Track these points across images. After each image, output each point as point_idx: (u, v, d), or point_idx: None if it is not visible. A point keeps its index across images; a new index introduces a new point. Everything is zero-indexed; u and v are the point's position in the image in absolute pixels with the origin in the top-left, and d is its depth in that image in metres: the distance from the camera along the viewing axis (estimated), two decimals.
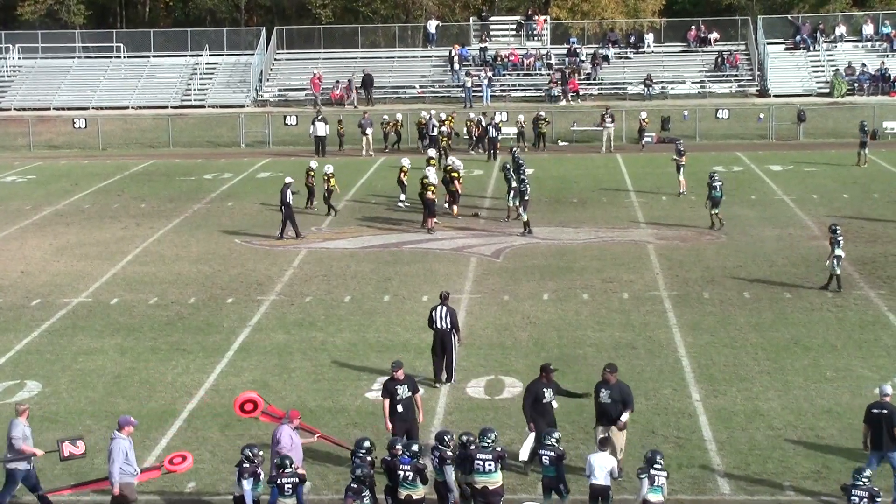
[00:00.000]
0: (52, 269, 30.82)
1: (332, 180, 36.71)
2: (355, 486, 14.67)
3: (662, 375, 21.55)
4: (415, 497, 15.21)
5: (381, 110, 58.50)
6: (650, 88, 61.75)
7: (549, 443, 15.74)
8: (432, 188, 34.21)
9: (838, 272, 26.89)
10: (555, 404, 17.54)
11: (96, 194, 42.26)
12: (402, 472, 15.14)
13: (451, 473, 15.41)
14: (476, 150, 49.75)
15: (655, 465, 15.00)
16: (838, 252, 26.72)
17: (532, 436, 17.10)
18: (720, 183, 33.72)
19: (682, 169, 39.21)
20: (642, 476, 14.97)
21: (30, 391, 21.48)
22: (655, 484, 14.93)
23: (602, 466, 15.38)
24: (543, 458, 15.77)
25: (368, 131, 50.18)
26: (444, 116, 50.02)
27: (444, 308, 21.39)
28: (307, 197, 37.56)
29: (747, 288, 27.55)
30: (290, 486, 15.04)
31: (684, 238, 33.02)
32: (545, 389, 17.45)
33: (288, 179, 34.15)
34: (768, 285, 27.77)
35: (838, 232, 26.92)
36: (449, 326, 21.26)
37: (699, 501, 16.35)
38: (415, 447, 15.39)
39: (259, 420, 17.58)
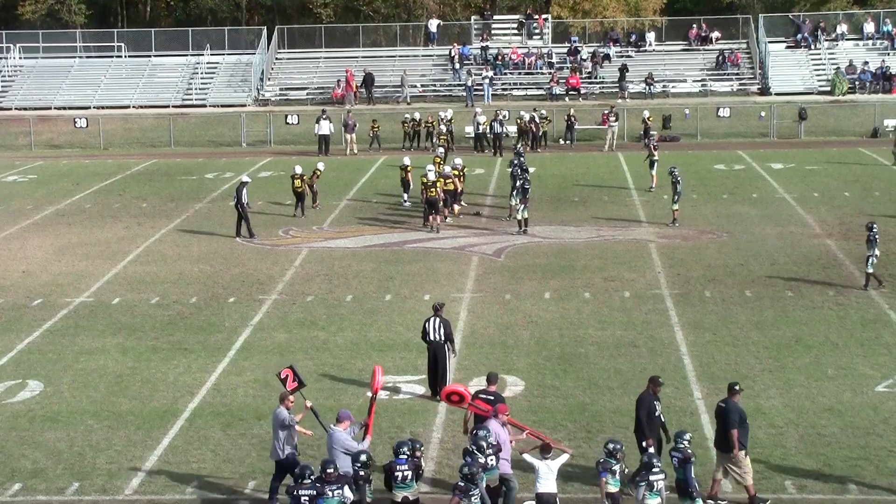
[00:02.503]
0: (54, 268, 30.83)
1: (298, 181, 36.83)
2: (463, 484, 14.31)
3: (664, 374, 21.38)
4: (411, 498, 15.05)
5: (383, 110, 58.51)
6: (651, 87, 61.72)
7: (681, 445, 15.43)
8: (450, 182, 34.16)
9: (870, 270, 26.80)
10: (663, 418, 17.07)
11: (97, 194, 42.26)
12: (399, 473, 14.94)
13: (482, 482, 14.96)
14: (535, 146, 49.76)
15: (654, 470, 14.86)
16: (874, 250, 26.57)
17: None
18: (681, 178, 34.41)
19: (654, 164, 39.56)
20: (641, 483, 14.82)
21: (31, 391, 21.48)
22: (655, 489, 14.80)
23: (552, 473, 15.18)
24: (673, 459, 15.49)
25: (351, 126, 50.58)
26: (449, 116, 50.09)
27: (438, 319, 20.67)
28: (311, 197, 37.71)
29: (749, 286, 27.54)
30: (307, 497, 14.40)
31: (686, 237, 33.01)
32: (656, 402, 16.78)
33: (245, 178, 34.90)
34: (770, 283, 27.76)
35: (875, 230, 26.61)
36: (442, 339, 20.54)
37: None
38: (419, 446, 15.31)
39: (467, 409, 17.05)
